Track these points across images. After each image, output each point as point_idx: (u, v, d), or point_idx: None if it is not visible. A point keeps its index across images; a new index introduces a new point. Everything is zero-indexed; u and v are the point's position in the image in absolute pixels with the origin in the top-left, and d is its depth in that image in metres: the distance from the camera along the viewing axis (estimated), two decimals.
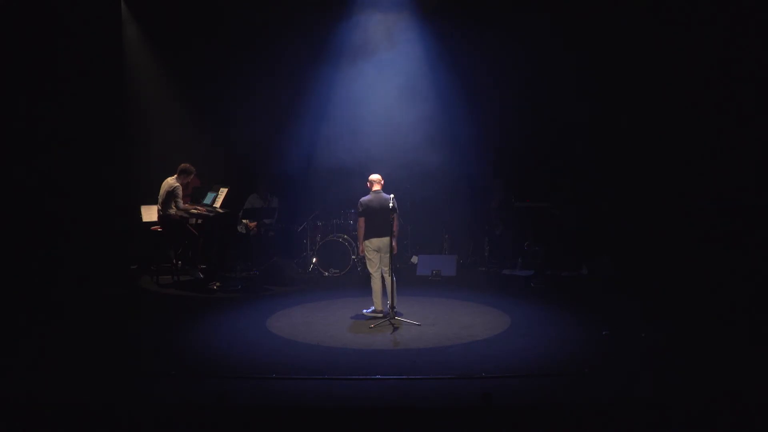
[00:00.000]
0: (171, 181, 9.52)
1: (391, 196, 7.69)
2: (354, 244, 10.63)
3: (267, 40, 10.81)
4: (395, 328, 7.37)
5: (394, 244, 7.70)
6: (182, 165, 9.66)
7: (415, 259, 10.99)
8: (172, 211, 9.49)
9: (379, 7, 10.70)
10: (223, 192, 10.25)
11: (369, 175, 8.10)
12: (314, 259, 10.71)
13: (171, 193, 9.46)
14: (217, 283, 9.73)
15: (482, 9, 10.62)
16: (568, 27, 10.29)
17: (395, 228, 7.73)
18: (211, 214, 9.88)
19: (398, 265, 10.39)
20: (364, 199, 7.94)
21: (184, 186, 9.81)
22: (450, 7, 10.77)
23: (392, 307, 7.60)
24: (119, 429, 4.95)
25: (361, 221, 7.91)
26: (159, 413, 5.09)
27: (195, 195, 10.46)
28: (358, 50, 10.60)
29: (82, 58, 9.87)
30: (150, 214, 10.07)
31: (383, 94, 10.56)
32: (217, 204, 10.12)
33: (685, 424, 4.84)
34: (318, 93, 10.86)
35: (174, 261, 10.13)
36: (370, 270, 7.98)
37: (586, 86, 10.25)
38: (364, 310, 8.06)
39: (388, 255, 7.71)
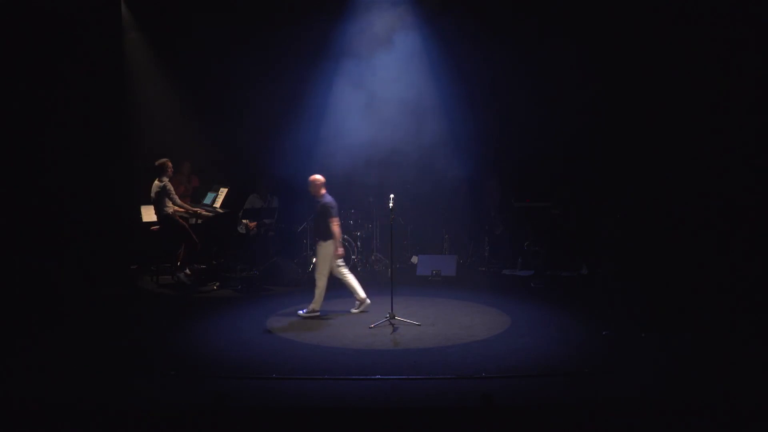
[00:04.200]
0: (157, 182, 9.44)
1: (392, 196, 7.72)
2: (353, 244, 10.63)
3: (267, 40, 10.81)
4: (395, 328, 7.37)
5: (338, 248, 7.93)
6: (157, 162, 9.49)
7: (415, 259, 10.99)
8: (170, 210, 9.47)
9: (379, 7, 10.70)
10: (223, 192, 10.25)
11: (311, 177, 8.11)
12: (314, 259, 10.69)
13: (162, 193, 9.37)
14: (217, 283, 9.74)
15: (483, 9, 10.62)
16: (567, 26, 10.29)
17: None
18: (211, 214, 9.87)
19: (398, 265, 10.41)
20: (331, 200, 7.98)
21: (184, 184, 9.79)
22: (450, 7, 10.76)
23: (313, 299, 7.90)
24: (119, 429, 4.95)
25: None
26: (159, 413, 5.08)
27: (195, 195, 10.44)
28: (358, 50, 10.59)
29: (83, 59, 9.87)
30: (150, 214, 10.05)
31: (383, 94, 10.55)
32: (217, 204, 10.11)
33: (685, 424, 4.84)
34: (318, 93, 10.85)
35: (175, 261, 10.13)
36: (343, 270, 8.05)
37: (586, 86, 10.24)
38: (352, 309, 8.09)
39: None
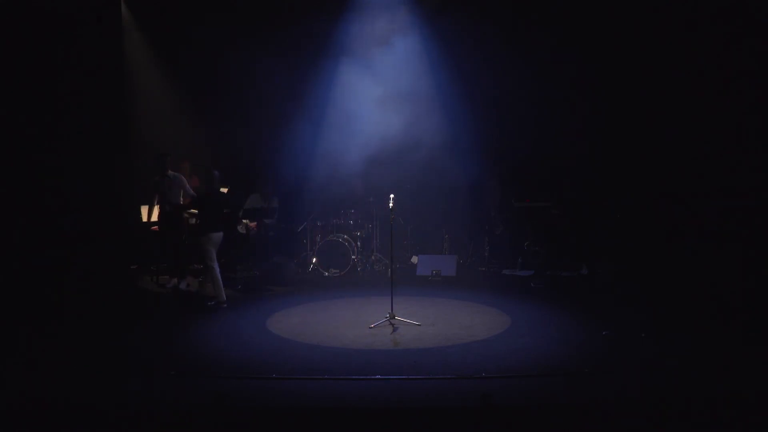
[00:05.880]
0: None
1: (392, 196, 7.74)
2: (353, 244, 10.63)
3: (267, 40, 10.81)
4: (395, 328, 7.37)
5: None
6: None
7: (415, 259, 10.99)
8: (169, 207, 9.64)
9: (379, 7, 10.70)
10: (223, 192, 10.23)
11: (214, 171, 8.62)
12: (314, 259, 10.71)
13: None
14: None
15: (483, 9, 10.63)
16: (567, 26, 10.30)
17: None
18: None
19: (398, 265, 10.41)
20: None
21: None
22: (450, 7, 10.77)
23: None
24: (119, 429, 4.95)
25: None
26: (159, 413, 5.08)
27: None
28: (357, 51, 10.60)
29: (83, 59, 9.88)
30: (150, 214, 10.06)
31: (383, 94, 10.56)
32: None
33: (685, 424, 4.84)
34: (318, 93, 10.86)
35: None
36: (213, 263, 8.40)
37: (587, 85, 10.25)
38: (209, 303, 8.47)
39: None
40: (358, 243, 10.80)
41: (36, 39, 9.15)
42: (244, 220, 10.57)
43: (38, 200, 9.25)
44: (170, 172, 9.54)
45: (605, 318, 7.54)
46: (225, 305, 8.44)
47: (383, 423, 5.01)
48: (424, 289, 9.47)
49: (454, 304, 8.59)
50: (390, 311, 7.54)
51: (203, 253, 8.44)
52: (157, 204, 9.66)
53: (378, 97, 10.49)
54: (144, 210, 10.24)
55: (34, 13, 9.13)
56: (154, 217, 9.81)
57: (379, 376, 5.84)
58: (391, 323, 7.46)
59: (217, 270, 8.46)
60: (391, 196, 7.72)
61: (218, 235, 8.53)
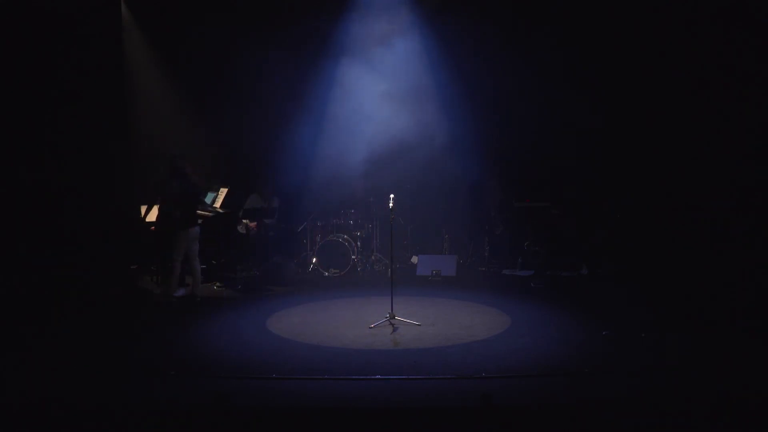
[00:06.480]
0: None
1: (392, 196, 7.75)
2: (353, 244, 10.63)
3: (267, 39, 10.81)
4: (395, 328, 7.38)
5: None
6: None
7: (415, 259, 10.99)
8: None
9: (379, 7, 10.71)
10: (223, 192, 10.24)
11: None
12: (314, 259, 10.71)
13: None
14: (218, 283, 9.74)
15: (483, 9, 10.63)
16: (568, 26, 10.30)
17: None
18: (210, 214, 9.87)
19: (398, 265, 10.41)
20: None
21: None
22: (450, 7, 10.77)
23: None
24: (118, 429, 4.94)
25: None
26: (158, 413, 5.08)
27: None
28: (358, 50, 10.61)
29: (83, 59, 9.87)
30: (150, 214, 10.04)
31: (383, 94, 10.56)
32: (217, 204, 10.11)
33: (685, 424, 4.84)
34: (318, 93, 10.86)
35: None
36: (178, 258, 8.55)
37: (587, 85, 10.25)
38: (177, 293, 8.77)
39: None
40: (358, 243, 10.80)
41: (36, 39, 9.14)
42: (244, 220, 10.57)
43: (38, 200, 9.24)
44: None
45: (605, 318, 7.54)
46: (174, 299, 8.65)
47: (383, 423, 5.01)
48: (424, 289, 9.48)
49: (454, 304, 8.59)
50: (390, 311, 7.54)
51: (173, 247, 8.52)
52: (158, 204, 9.60)
53: (378, 97, 10.49)
54: (144, 210, 10.23)
55: (34, 13, 9.12)
56: (153, 217, 9.78)
57: (379, 376, 5.84)
58: (391, 323, 7.46)
59: (179, 267, 8.60)
60: (391, 196, 7.72)
61: (195, 230, 8.67)
